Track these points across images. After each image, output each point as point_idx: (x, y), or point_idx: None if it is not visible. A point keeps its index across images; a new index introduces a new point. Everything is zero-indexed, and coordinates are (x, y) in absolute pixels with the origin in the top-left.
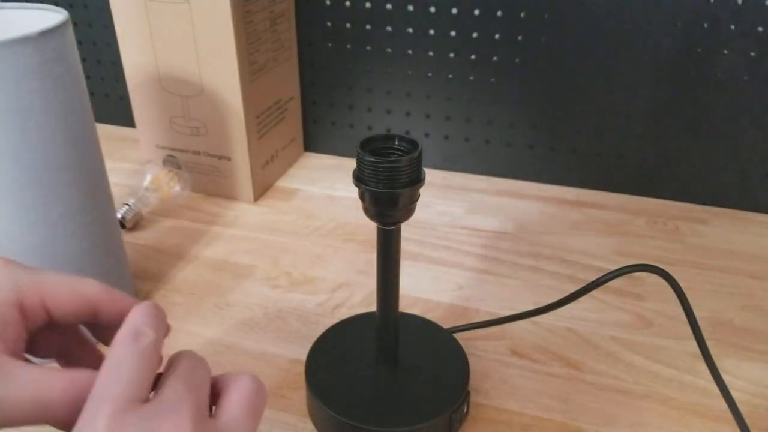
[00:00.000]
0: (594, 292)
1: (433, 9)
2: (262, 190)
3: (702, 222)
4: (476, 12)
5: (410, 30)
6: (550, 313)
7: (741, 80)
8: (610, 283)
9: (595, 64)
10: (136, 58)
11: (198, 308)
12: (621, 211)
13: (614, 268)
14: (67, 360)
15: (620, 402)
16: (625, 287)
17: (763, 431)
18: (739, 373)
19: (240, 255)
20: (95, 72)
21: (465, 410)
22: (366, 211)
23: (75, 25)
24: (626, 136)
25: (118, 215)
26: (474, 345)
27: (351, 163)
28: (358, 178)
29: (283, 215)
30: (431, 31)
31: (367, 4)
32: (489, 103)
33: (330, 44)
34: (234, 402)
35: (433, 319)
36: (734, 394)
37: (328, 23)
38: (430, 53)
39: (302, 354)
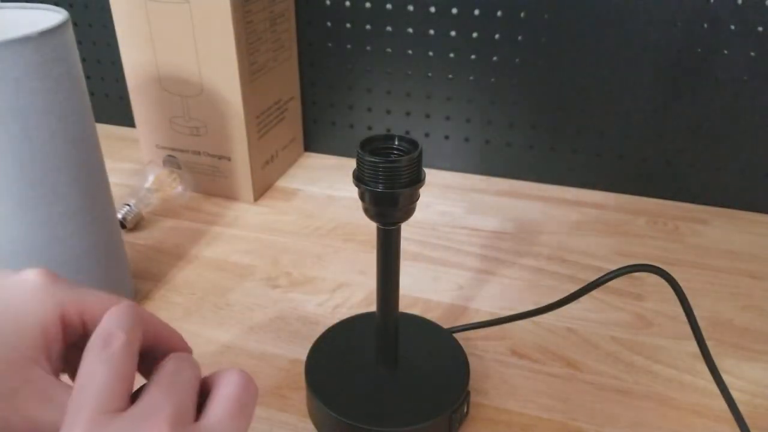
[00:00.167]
0: (594, 292)
1: (433, 9)
2: (262, 190)
3: (702, 222)
4: (476, 12)
5: (410, 30)
6: (550, 313)
7: (741, 80)
8: (610, 283)
9: (595, 64)
10: (136, 58)
11: (198, 308)
12: (621, 211)
13: (614, 268)
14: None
15: (620, 402)
16: (625, 287)
17: (763, 431)
18: (739, 373)
19: (240, 255)
20: (95, 72)
21: (465, 410)
22: (366, 211)
23: (75, 25)
24: (626, 136)
25: (119, 216)
26: (474, 345)
27: (351, 163)
28: (358, 178)
29: (283, 215)
30: (431, 31)
31: (367, 4)
32: (489, 103)
33: (330, 44)
34: (219, 402)
35: (433, 319)
36: (734, 394)
37: (328, 23)
38: (430, 53)
39: (302, 354)
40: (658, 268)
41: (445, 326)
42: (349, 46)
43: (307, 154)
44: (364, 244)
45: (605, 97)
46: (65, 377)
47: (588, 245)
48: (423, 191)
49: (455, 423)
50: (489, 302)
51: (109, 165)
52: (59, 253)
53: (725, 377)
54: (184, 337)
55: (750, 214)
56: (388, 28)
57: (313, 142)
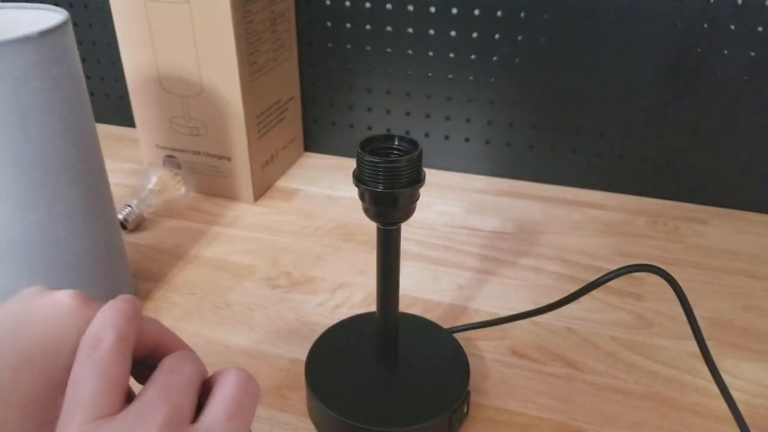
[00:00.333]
0: (594, 292)
1: (433, 9)
2: (262, 190)
3: (702, 222)
4: (476, 12)
5: (410, 30)
6: (550, 313)
7: (741, 80)
8: (610, 283)
9: (595, 64)
10: (136, 58)
11: (198, 308)
12: (621, 211)
13: (614, 268)
14: None
15: (620, 402)
16: (625, 287)
17: (763, 431)
18: (739, 373)
19: (240, 255)
20: (95, 72)
21: (465, 410)
22: (366, 211)
23: (75, 25)
24: (626, 136)
25: (120, 216)
26: (474, 345)
27: (351, 163)
28: (358, 178)
29: (283, 215)
30: (431, 31)
31: (367, 4)
32: (489, 103)
33: (330, 44)
34: (217, 402)
35: (433, 319)
36: (734, 394)
37: (328, 23)
38: (430, 53)
39: (302, 354)
40: (658, 268)
41: (445, 326)
42: (349, 46)
43: (307, 154)
44: (364, 244)
45: (605, 97)
46: None
47: (588, 245)
48: (423, 191)
49: (455, 423)
50: (489, 302)
51: (109, 165)
52: (59, 253)
53: (725, 377)
54: (184, 337)
55: (750, 214)
56: (388, 28)
57: (313, 142)
